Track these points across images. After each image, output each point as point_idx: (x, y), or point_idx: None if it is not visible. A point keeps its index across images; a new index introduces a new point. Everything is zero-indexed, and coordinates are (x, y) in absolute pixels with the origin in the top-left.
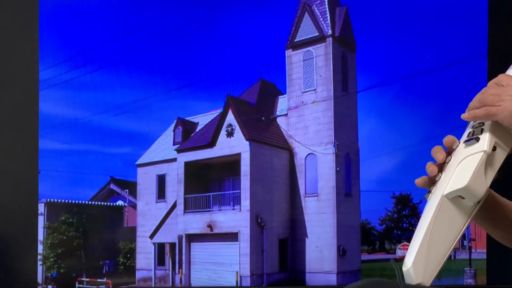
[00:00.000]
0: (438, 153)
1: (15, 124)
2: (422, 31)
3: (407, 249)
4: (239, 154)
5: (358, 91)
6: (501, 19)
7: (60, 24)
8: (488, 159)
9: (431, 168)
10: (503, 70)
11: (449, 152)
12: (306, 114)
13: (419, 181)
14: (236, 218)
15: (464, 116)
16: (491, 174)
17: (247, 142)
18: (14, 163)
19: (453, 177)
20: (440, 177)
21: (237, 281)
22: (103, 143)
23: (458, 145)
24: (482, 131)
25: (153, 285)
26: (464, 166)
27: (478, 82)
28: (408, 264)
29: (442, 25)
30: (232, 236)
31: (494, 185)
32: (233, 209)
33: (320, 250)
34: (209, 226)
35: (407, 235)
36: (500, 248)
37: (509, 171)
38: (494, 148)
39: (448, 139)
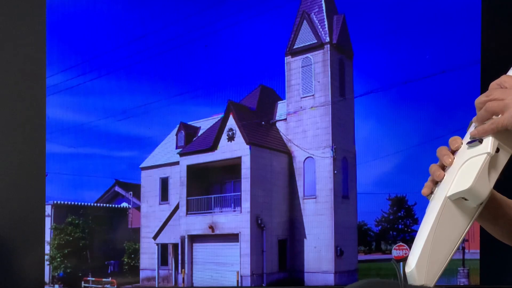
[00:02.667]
0: (445, 156)
1: (23, 128)
2: (417, 38)
3: (402, 249)
4: (239, 158)
5: (355, 96)
6: (493, 26)
7: (66, 32)
8: (492, 161)
9: (438, 173)
10: (496, 76)
11: (451, 152)
12: (305, 118)
13: (425, 190)
14: (237, 220)
15: (473, 133)
16: (495, 176)
17: (248, 146)
18: (22, 166)
19: (456, 178)
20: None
21: (238, 281)
22: (108, 147)
23: (460, 146)
24: None
25: (156, 285)
26: (468, 168)
27: (472, 87)
28: (411, 266)
29: (437, 32)
30: (233, 237)
31: (495, 184)
32: (234, 211)
33: (318, 250)
34: (211, 227)
35: (403, 236)
36: (493, 248)
37: (509, 170)
38: (497, 150)
39: (454, 139)
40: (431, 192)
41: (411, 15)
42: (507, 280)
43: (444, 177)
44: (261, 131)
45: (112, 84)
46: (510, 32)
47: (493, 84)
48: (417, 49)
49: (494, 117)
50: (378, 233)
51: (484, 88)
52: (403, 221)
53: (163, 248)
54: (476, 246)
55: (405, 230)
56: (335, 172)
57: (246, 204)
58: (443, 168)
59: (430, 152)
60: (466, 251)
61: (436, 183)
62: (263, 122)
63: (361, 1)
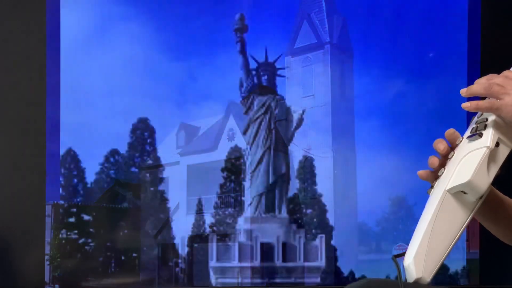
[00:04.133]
0: (439, 143)
1: (24, 128)
2: (417, 38)
3: (403, 250)
4: (240, 158)
5: (355, 96)
6: (493, 29)
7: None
8: (491, 155)
9: (431, 160)
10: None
11: (452, 147)
12: (305, 118)
13: (421, 172)
14: (237, 220)
15: (466, 105)
16: (494, 170)
17: (248, 146)
18: (23, 166)
19: (455, 172)
20: (443, 172)
21: (238, 281)
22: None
23: (461, 141)
24: (485, 126)
25: (156, 285)
26: (467, 161)
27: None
28: (409, 259)
29: (437, 32)
30: (233, 237)
31: (496, 182)
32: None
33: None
34: (211, 227)
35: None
36: (493, 248)
37: (509, 169)
38: (497, 144)
39: (449, 131)
40: (432, 186)
41: (411, 15)
42: (507, 280)
43: (445, 171)
44: (262, 131)
45: (113, 84)
46: (509, 32)
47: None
48: (417, 49)
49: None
50: (379, 233)
51: None
52: (403, 221)
53: (163, 248)
54: (476, 246)
55: (405, 230)
56: (335, 172)
57: (246, 204)
58: (444, 162)
59: (430, 152)
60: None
61: (436, 177)
62: (263, 122)
63: (361, 1)
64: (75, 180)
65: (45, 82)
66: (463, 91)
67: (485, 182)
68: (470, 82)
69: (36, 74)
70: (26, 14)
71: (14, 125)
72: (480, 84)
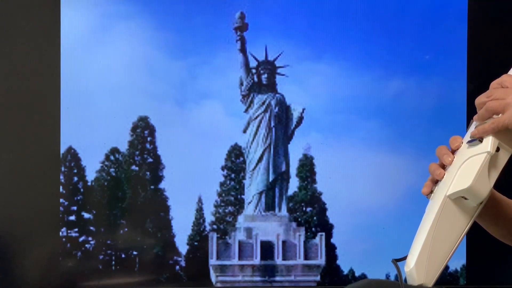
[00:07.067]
0: (445, 155)
1: (38, 123)
2: (417, 38)
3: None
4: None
5: (355, 95)
6: (493, 28)
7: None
8: (492, 160)
9: (438, 171)
10: (482, 81)
11: (452, 151)
12: (305, 117)
13: (425, 190)
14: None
15: (474, 133)
16: (495, 175)
17: (248, 145)
18: (35, 166)
19: (456, 177)
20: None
21: (238, 279)
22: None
23: (460, 145)
24: None
25: (156, 283)
26: (468, 167)
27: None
28: (410, 265)
29: (438, 32)
30: (233, 235)
31: (495, 184)
32: None
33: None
34: (211, 225)
35: None
36: (479, 248)
37: (509, 170)
38: (497, 149)
39: (455, 142)
40: (431, 191)
41: (411, 15)
42: (508, 279)
43: (444, 176)
44: (261, 129)
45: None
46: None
47: (493, 84)
48: (417, 48)
49: (494, 116)
50: (379, 232)
51: (470, 93)
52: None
53: (163, 246)
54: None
55: None
56: (335, 170)
57: (246, 202)
58: (443, 167)
59: (430, 152)
60: None
61: (436, 182)
62: (263, 121)
63: (361, 1)
64: (75, 178)
65: (59, 82)
66: (474, 133)
67: (486, 187)
68: (470, 81)
69: (49, 74)
70: (40, 13)
71: (29, 120)
72: (480, 106)
